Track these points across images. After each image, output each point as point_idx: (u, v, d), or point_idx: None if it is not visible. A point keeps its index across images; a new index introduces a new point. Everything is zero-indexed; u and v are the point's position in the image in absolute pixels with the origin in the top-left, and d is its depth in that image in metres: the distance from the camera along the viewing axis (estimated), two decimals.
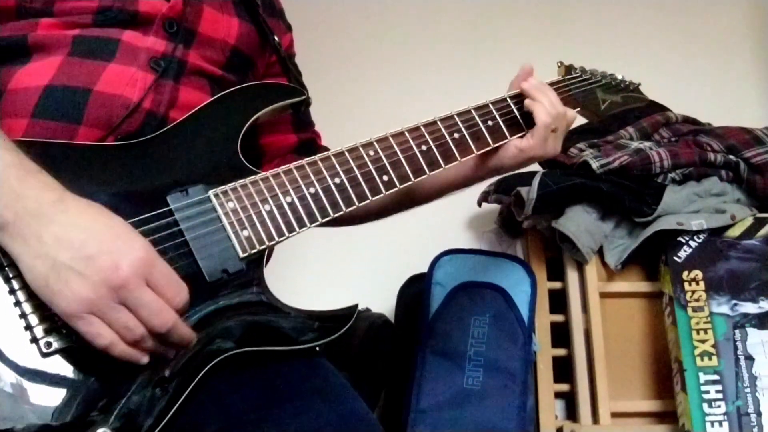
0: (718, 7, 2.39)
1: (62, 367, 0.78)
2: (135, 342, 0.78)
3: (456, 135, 1.07)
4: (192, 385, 0.84)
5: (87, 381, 0.79)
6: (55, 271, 0.74)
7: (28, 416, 0.75)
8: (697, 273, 1.64)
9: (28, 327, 0.77)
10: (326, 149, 1.07)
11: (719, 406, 1.50)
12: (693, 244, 1.68)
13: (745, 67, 2.35)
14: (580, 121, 1.43)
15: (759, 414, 1.49)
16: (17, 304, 0.78)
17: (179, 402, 0.82)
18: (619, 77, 1.32)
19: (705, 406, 1.51)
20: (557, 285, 1.78)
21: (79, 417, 0.77)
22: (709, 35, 2.37)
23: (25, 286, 0.77)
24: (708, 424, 1.49)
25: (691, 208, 1.72)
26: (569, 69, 1.26)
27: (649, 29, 2.36)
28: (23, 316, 0.78)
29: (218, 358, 0.86)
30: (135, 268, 0.76)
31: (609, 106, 1.27)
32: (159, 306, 0.78)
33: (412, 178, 1.03)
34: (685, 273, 1.65)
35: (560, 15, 2.39)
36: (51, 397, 0.77)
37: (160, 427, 0.80)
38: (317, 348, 0.96)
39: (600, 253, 1.76)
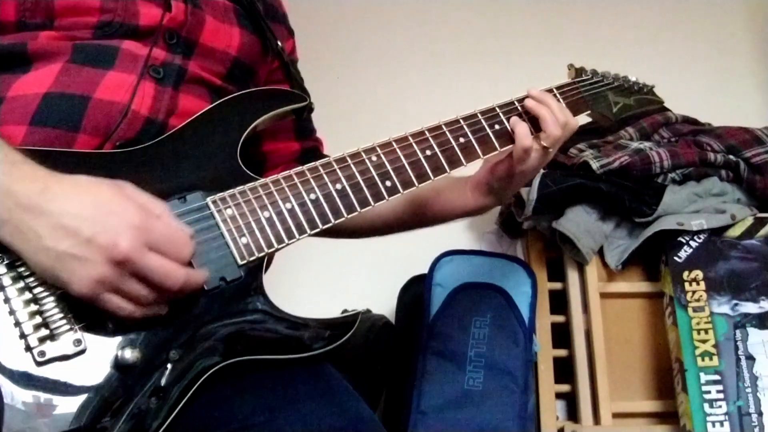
0: (717, 8, 2.38)
1: (57, 376, 0.78)
2: (153, 302, 0.80)
3: (462, 140, 1.06)
4: (189, 394, 0.83)
5: (81, 391, 0.78)
6: (59, 261, 0.75)
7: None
8: (698, 273, 1.64)
9: (22, 335, 0.77)
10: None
11: (720, 407, 1.50)
12: (693, 244, 1.67)
13: (745, 67, 2.35)
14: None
15: (760, 414, 1.49)
16: (11, 312, 0.78)
17: (175, 412, 0.82)
18: (633, 79, 1.29)
19: (706, 406, 1.51)
20: (558, 285, 1.78)
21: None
22: (708, 35, 2.36)
23: (20, 294, 0.78)
24: (709, 425, 1.49)
25: (691, 208, 1.71)
26: (580, 71, 1.23)
27: (648, 30, 2.36)
28: (17, 324, 0.77)
29: (215, 368, 0.86)
30: (133, 240, 0.77)
31: (621, 109, 1.25)
32: (166, 268, 0.79)
33: (416, 184, 1.01)
34: (686, 273, 1.64)
35: (561, 17, 2.38)
36: (52, 409, 0.77)
37: None
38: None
39: (600, 253, 1.75)
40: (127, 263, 0.76)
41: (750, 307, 1.59)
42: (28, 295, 0.78)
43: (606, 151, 1.76)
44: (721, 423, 1.49)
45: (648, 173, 1.72)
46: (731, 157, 1.76)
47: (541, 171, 1.75)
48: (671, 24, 2.37)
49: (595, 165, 1.71)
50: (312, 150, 1.23)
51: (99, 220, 0.76)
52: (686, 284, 1.63)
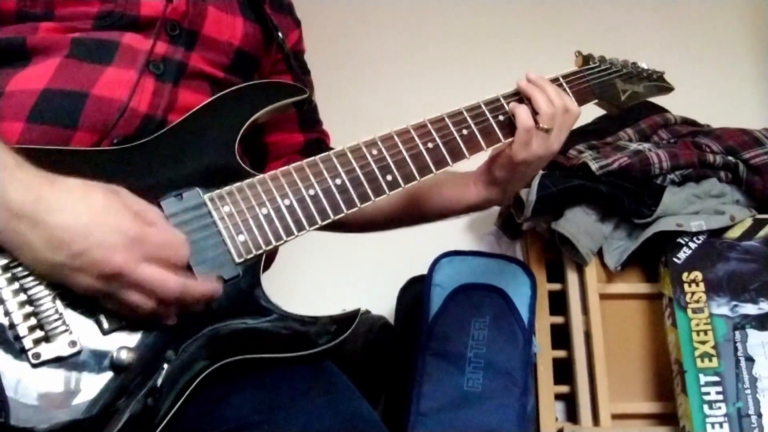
0: (717, 9, 2.39)
1: (52, 378, 0.77)
2: (153, 312, 0.80)
3: (464, 131, 1.04)
4: (185, 394, 0.83)
5: (76, 392, 0.78)
6: (55, 271, 0.76)
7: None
8: (697, 274, 1.64)
9: (17, 337, 0.77)
10: None
11: (720, 408, 1.50)
12: (692, 245, 1.67)
13: (744, 69, 2.35)
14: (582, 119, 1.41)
15: (759, 415, 1.49)
16: (6, 314, 0.77)
17: (172, 412, 0.81)
18: (642, 66, 1.27)
19: (705, 407, 1.51)
20: (557, 287, 1.78)
21: None
22: (707, 36, 2.37)
23: (15, 296, 0.77)
24: (709, 426, 1.49)
25: (690, 209, 1.71)
26: (587, 59, 1.21)
27: (647, 31, 2.36)
28: (12, 326, 0.77)
29: (211, 368, 0.85)
30: (126, 253, 0.76)
31: (630, 96, 1.23)
32: (161, 279, 0.78)
33: (418, 177, 1.00)
34: (685, 274, 1.64)
35: (560, 18, 2.39)
36: (47, 410, 0.76)
37: None
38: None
39: (600, 254, 1.75)
40: (120, 276, 0.76)
41: (749, 309, 1.59)
42: (23, 297, 0.77)
43: (605, 153, 1.76)
44: (721, 424, 1.49)
45: (647, 174, 1.72)
46: (730, 158, 1.76)
47: (540, 172, 1.75)
48: (670, 25, 2.37)
49: (594, 166, 1.71)
50: (316, 142, 1.21)
51: (92, 232, 0.76)
52: (685, 285, 1.63)
